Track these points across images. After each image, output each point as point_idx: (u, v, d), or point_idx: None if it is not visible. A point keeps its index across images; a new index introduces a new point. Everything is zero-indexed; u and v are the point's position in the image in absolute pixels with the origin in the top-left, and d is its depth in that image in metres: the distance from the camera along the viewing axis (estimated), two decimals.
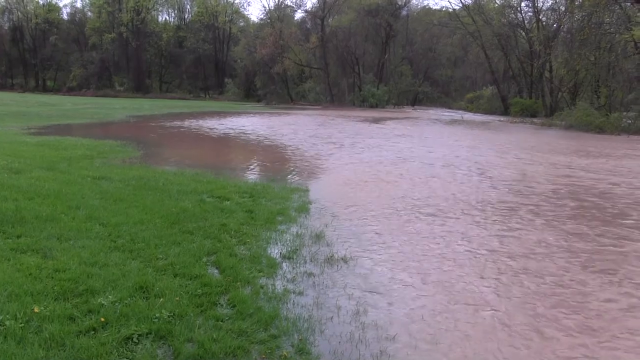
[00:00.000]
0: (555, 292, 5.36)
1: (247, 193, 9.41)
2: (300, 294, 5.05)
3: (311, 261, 5.99)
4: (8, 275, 4.77)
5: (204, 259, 5.68)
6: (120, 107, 41.53)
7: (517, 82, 54.04)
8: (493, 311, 4.85)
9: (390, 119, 38.90)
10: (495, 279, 5.71)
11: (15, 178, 9.38)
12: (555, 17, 47.25)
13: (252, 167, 14.15)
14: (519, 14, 51.33)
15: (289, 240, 6.73)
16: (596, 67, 37.05)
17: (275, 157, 16.44)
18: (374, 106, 58.19)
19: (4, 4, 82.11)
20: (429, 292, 5.27)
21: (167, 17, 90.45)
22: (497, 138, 25.33)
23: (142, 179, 9.99)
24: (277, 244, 6.54)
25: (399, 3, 64.21)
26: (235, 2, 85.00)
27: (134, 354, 3.70)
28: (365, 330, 4.35)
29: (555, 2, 46.62)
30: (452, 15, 60.16)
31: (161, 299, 4.49)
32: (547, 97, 46.00)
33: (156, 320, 4.11)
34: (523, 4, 49.98)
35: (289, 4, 74.19)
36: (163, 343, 3.88)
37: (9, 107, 35.89)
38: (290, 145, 19.12)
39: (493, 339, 4.31)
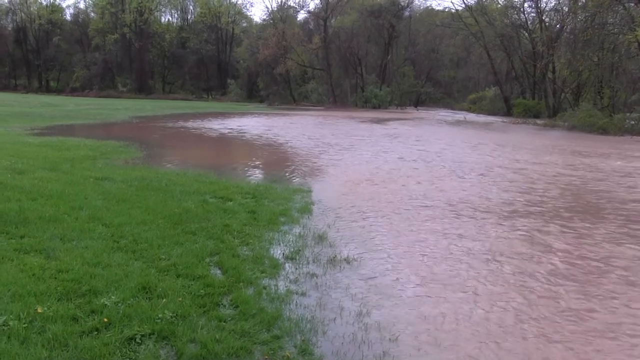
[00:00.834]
0: (555, 290, 5.35)
1: (250, 194, 9.41)
2: (303, 294, 5.04)
3: (314, 262, 5.99)
4: (11, 276, 4.78)
5: (207, 260, 5.68)
6: (123, 108, 41.60)
7: (520, 82, 53.96)
8: (498, 313, 4.84)
9: (393, 119, 38.89)
10: (503, 280, 5.69)
11: (18, 179, 9.40)
12: (559, 17, 47.18)
13: (254, 167, 14.15)
14: (521, 15, 51.28)
15: (292, 241, 6.72)
16: (599, 68, 36.99)
17: (278, 157, 16.44)
18: (376, 107, 58.20)
19: (7, 5, 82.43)
20: (432, 294, 5.25)
21: (170, 18, 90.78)
22: (501, 139, 25.29)
23: (144, 180, 10.00)
24: (279, 244, 6.54)
25: (402, 4, 64.22)
26: (238, 2, 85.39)
27: (137, 354, 3.70)
28: (368, 331, 4.34)
29: (559, 2, 46.60)
30: (454, 16, 60.10)
31: (164, 300, 4.49)
32: (550, 98, 45.91)
33: (159, 320, 4.11)
34: (526, 5, 49.95)
35: (292, 4, 74.46)
36: (166, 343, 3.88)
37: (12, 107, 35.99)
38: (293, 146, 19.12)
39: (499, 342, 4.29)
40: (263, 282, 5.23)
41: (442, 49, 70.18)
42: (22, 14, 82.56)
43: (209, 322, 4.22)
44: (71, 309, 4.22)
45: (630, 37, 31.49)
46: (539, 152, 19.16)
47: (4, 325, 3.88)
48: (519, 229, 7.89)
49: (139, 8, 76.52)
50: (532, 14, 50.37)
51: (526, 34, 51.14)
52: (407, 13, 67.06)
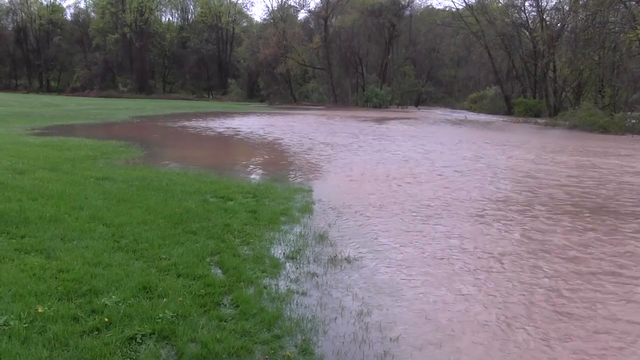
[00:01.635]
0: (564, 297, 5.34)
1: (251, 193, 9.41)
2: (304, 294, 5.03)
3: (315, 261, 5.98)
4: (12, 276, 4.78)
5: (208, 259, 5.68)
6: (123, 108, 41.61)
7: (521, 82, 53.96)
8: (501, 313, 4.83)
9: (394, 119, 38.87)
10: (507, 280, 5.68)
11: (19, 179, 9.40)
12: (559, 16, 47.18)
13: (255, 167, 14.14)
14: (522, 14, 51.31)
15: (293, 240, 6.72)
16: (600, 67, 36.97)
17: (278, 157, 16.44)
18: (377, 106, 58.19)
19: (8, 5, 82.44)
20: (434, 293, 5.25)
21: (171, 18, 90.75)
22: (501, 138, 25.27)
23: (145, 180, 10.00)
24: (280, 244, 6.54)
25: (402, 3, 64.19)
26: (239, 2, 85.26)
27: (138, 354, 3.69)
28: (369, 331, 4.33)
29: (559, 1, 46.59)
30: (455, 15, 60.10)
31: (164, 299, 4.49)
32: (551, 97, 45.88)
33: (160, 320, 4.11)
34: (527, 4, 49.99)
35: (292, 4, 74.41)
36: (166, 343, 3.88)
37: (13, 107, 36.00)
38: (293, 145, 19.11)
39: (501, 341, 4.29)
40: (264, 281, 5.22)
41: (443, 48, 70.13)
42: (23, 14, 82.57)
43: (210, 321, 4.22)
44: (72, 308, 4.22)
45: (631, 35, 31.48)
46: (552, 152, 19.14)
47: (4, 325, 3.88)
48: (522, 229, 7.88)
49: (139, 8, 76.50)
50: (532, 13, 50.47)
51: (527, 33, 51.13)
52: (407, 12, 67.07)
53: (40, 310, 4.11)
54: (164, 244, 6.02)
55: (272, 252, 6.19)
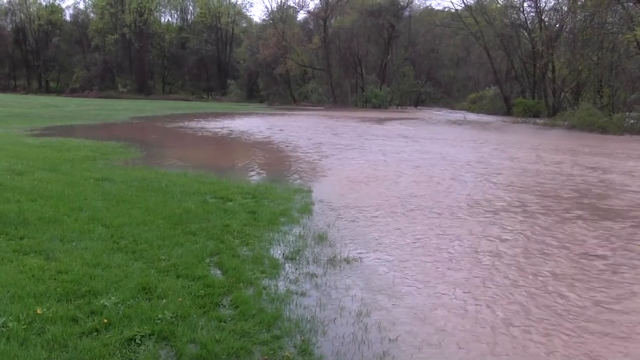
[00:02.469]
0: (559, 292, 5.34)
1: (250, 194, 9.41)
2: (303, 295, 5.03)
3: (314, 262, 5.98)
4: (11, 277, 4.77)
5: (207, 260, 5.68)
6: (122, 109, 41.58)
7: (520, 82, 53.98)
8: (499, 312, 4.83)
9: (394, 119, 38.89)
10: (507, 280, 5.68)
11: (18, 180, 9.39)
12: (558, 17, 47.24)
13: (255, 168, 14.14)
14: (521, 14, 51.35)
15: (292, 241, 6.72)
16: (599, 67, 37.00)
17: (278, 157, 16.44)
18: (376, 107, 58.21)
19: (6, 5, 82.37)
20: (433, 294, 5.25)
21: (170, 19, 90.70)
22: (500, 138, 25.28)
23: (144, 180, 9.99)
24: (279, 245, 6.54)
25: (401, 4, 64.28)
26: (238, 3, 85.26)
27: (137, 355, 3.69)
28: (368, 332, 4.33)
29: (558, 2, 46.65)
30: (454, 15, 60.14)
31: (164, 300, 4.49)
32: (550, 98, 45.92)
33: (159, 321, 4.11)
34: (525, 4, 50.02)
35: (292, 4, 74.41)
36: (166, 344, 3.87)
37: (12, 108, 35.97)
38: (293, 146, 19.11)
39: (499, 342, 4.29)
40: (263, 282, 5.22)
41: (442, 48, 70.17)
42: (22, 15, 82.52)
43: (209, 322, 4.22)
44: (71, 310, 4.21)
45: (629, 36, 31.51)
46: (554, 152, 19.16)
47: (3, 326, 3.87)
48: (523, 230, 7.88)
49: (138, 8, 76.49)
50: (531, 14, 50.52)
51: (526, 34, 51.17)
52: (406, 13, 67.15)
53: (39, 311, 4.11)
54: (163, 244, 6.02)
55: (272, 252, 6.19)
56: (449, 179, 12.42)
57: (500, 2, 55.23)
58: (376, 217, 8.45)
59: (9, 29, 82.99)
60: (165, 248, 5.91)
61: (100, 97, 67.57)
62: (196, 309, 4.42)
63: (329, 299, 4.99)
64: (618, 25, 34.71)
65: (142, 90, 75.95)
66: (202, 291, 4.78)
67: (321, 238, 6.91)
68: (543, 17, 48.50)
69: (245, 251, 6.12)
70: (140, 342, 3.84)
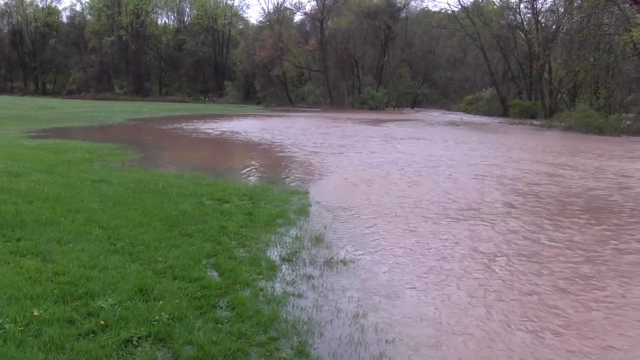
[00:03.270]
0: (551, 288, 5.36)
1: (247, 195, 9.41)
2: (300, 296, 5.04)
3: (311, 264, 5.99)
4: (8, 279, 4.77)
5: (204, 262, 5.68)
6: (119, 110, 41.54)
7: (517, 83, 54.08)
8: (495, 314, 4.85)
9: (390, 121, 38.93)
10: (504, 280, 5.70)
11: (14, 181, 9.38)
12: (554, 18, 47.29)
13: (251, 169, 14.15)
14: (517, 16, 51.42)
15: (289, 242, 6.73)
16: (595, 69, 37.09)
17: (274, 159, 16.45)
18: (373, 108, 58.23)
19: (3, 7, 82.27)
20: (429, 295, 5.26)
21: (167, 20, 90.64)
22: (499, 140, 25.34)
23: (141, 182, 9.99)
24: (276, 246, 6.54)
25: (398, 5, 64.34)
26: (235, 4, 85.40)
27: (134, 356, 3.69)
28: (365, 333, 4.34)
29: (554, 3, 46.69)
30: (451, 17, 60.23)
31: (161, 302, 4.49)
32: (547, 99, 46.01)
33: (156, 323, 4.11)
34: (522, 6, 50.12)
35: (288, 6, 74.40)
36: (162, 346, 3.88)
37: (9, 110, 35.90)
38: (289, 148, 19.12)
39: (496, 343, 4.30)
40: (260, 284, 5.23)
41: (439, 50, 70.23)
42: (18, 17, 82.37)
43: (206, 324, 4.22)
44: (67, 311, 4.21)
45: (625, 37, 31.60)
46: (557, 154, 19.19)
47: (0, 328, 3.87)
48: (521, 230, 7.90)
49: (135, 10, 76.45)
50: (528, 15, 50.61)
51: (522, 35, 51.24)
52: (403, 14, 67.22)
53: (35, 313, 4.11)
54: (160, 246, 6.02)
55: (268, 254, 6.20)
56: (447, 181, 12.44)
57: (496, 3, 55.42)
58: (373, 218, 8.46)
59: (5, 31, 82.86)
60: (162, 250, 5.91)
61: (96, 99, 67.45)
62: (193, 310, 4.42)
63: (326, 300, 5.00)
64: (614, 27, 34.81)
65: (139, 92, 75.88)
66: (198, 293, 4.78)
67: (318, 240, 6.92)
68: (539, 19, 48.59)
69: (242, 253, 6.12)
70: (137, 344, 3.84)
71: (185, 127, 28.06)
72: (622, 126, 30.17)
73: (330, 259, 6.15)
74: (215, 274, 5.41)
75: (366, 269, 5.95)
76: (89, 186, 9.39)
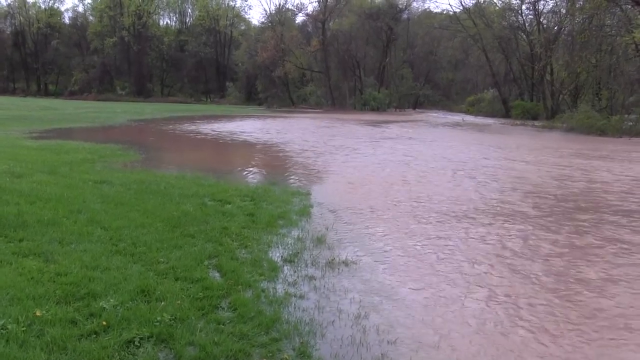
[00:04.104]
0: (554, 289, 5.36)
1: (249, 196, 9.42)
2: (302, 297, 5.04)
3: (312, 265, 5.99)
4: (10, 279, 4.78)
5: (206, 263, 5.68)
6: (121, 111, 41.60)
7: (518, 84, 54.03)
8: (496, 315, 4.84)
9: (392, 122, 38.94)
10: (505, 282, 5.70)
11: (17, 182, 9.39)
12: (556, 19, 47.25)
13: (253, 170, 14.16)
14: (519, 17, 51.36)
15: (290, 243, 6.73)
16: (597, 70, 37.07)
17: (276, 160, 16.45)
18: (375, 109, 58.24)
19: (6, 8, 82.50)
20: (431, 296, 5.26)
21: (169, 21, 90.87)
22: (499, 141, 25.33)
23: (143, 183, 10.00)
24: (278, 247, 6.54)
25: (400, 6, 64.35)
26: (237, 5, 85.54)
27: (136, 357, 3.70)
28: (367, 334, 4.34)
29: (556, 4, 46.70)
30: (452, 18, 60.22)
31: (162, 303, 4.49)
32: (548, 100, 45.96)
33: (158, 323, 4.11)
34: (524, 7, 50.02)
35: (290, 7, 74.53)
36: (164, 346, 3.88)
37: (11, 111, 35.98)
38: (291, 148, 19.13)
39: (497, 344, 4.30)
40: (261, 284, 5.23)
41: (441, 51, 70.24)
42: (21, 18, 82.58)
43: (208, 324, 4.23)
44: (70, 312, 4.22)
45: (627, 38, 31.56)
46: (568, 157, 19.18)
47: (2, 328, 3.88)
48: (524, 232, 7.90)
49: (137, 11, 76.58)
50: (529, 16, 50.53)
51: (524, 36, 51.19)
52: (405, 15, 67.24)
53: (38, 313, 4.12)
54: (162, 247, 6.03)
55: (270, 255, 6.20)
56: (450, 182, 12.44)
57: (498, 4, 55.41)
58: (375, 219, 8.46)
59: (8, 32, 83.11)
60: (164, 250, 5.91)
61: (98, 100, 67.61)
62: (195, 311, 4.42)
63: (328, 301, 5.00)
64: (616, 28, 34.79)
65: (141, 92, 75.99)
66: (200, 294, 4.79)
67: (319, 241, 6.92)
68: (541, 20, 48.56)
69: (243, 254, 6.12)
70: (139, 345, 3.84)
71: (187, 128, 28.08)
72: (624, 127, 30.14)
73: (332, 260, 6.15)
74: (217, 275, 5.41)
75: (368, 269, 5.94)
76: (91, 187, 9.40)
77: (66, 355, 3.63)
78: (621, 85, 36.65)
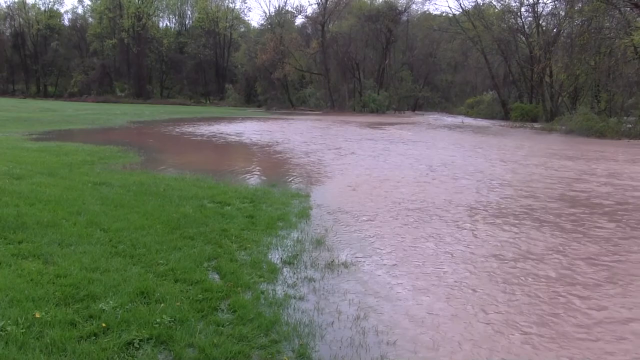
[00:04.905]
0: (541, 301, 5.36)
1: (248, 198, 9.42)
2: (301, 299, 5.05)
3: (312, 266, 5.99)
4: (9, 281, 4.78)
5: (205, 265, 5.69)
6: (121, 113, 41.62)
7: (518, 86, 54.13)
8: (496, 315, 4.85)
9: (391, 124, 38.97)
10: (503, 284, 5.70)
11: (16, 184, 9.39)
12: (555, 22, 47.39)
13: (252, 172, 14.16)
14: (519, 19, 51.46)
15: (290, 245, 6.73)
16: (596, 72, 37.12)
17: (275, 162, 16.46)
18: (374, 111, 58.34)
19: (5, 10, 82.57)
20: (430, 298, 5.26)
21: (168, 23, 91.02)
22: (499, 143, 25.35)
23: (142, 185, 10.00)
24: (277, 249, 6.55)
25: (399, 8, 64.49)
26: (236, 7, 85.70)
27: (135, 359, 3.70)
28: (366, 335, 4.35)
29: (555, 7, 46.77)
30: (452, 20, 60.39)
31: (162, 304, 4.49)
32: (548, 102, 46.05)
33: (157, 325, 4.12)
34: (523, 9, 50.17)
35: (290, 9, 74.69)
36: (164, 348, 3.88)
37: (11, 112, 35.98)
38: (291, 151, 19.14)
39: (496, 345, 4.30)
40: (261, 286, 5.23)
41: (440, 53, 70.44)
42: (20, 19, 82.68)
43: (207, 326, 4.23)
44: (69, 314, 4.22)
45: (626, 41, 31.63)
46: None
47: (2, 330, 3.88)
48: (522, 233, 7.90)
49: (137, 13, 76.70)
50: (529, 19, 50.69)
51: (523, 38, 51.32)
52: (404, 18, 67.37)
53: (37, 315, 4.12)
54: (161, 249, 6.03)
55: (270, 257, 6.20)
56: (450, 183, 12.45)
57: (497, 6, 55.48)
58: (374, 221, 8.46)
59: (7, 34, 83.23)
60: (163, 252, 5.92)
61: (98, 102, 67.68)
62: (194, 313, 4.43)
63: (327, 303, 5.00)
64: (615, 30, 34.83)
65: (140, 94, 76.09)
66: (200, 295, 4.79)
67: (319, 242, 6.92)
68: (540, 22, 48.70)
69: (243, 255, 6.13)
70: (138, 346, 3.85)
71: (186, 130, 28.10)
72: (622, 129, 30.19)
73: (332, 261, 6.16)
74: (216, 276, 5.42)
75: (367, 271, 5.95)
76: (91, 189, 9.40)
77: (65, 357, 3.64)
78: (620, 87, 36.73)
